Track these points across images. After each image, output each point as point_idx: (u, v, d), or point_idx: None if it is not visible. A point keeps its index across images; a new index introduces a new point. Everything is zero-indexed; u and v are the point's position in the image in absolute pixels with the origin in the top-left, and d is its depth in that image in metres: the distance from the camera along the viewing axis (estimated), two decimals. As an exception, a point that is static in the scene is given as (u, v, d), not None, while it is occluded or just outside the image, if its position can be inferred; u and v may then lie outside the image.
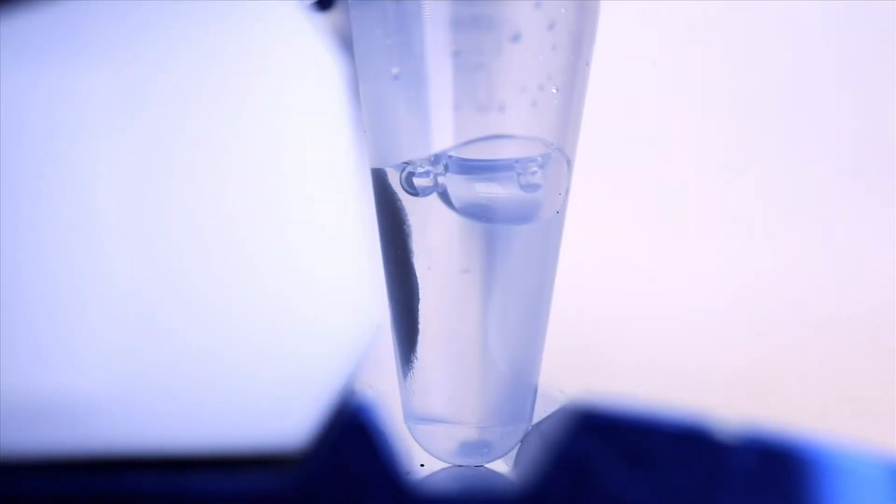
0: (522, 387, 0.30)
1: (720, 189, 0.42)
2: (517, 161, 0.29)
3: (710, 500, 0.23)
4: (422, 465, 0.30)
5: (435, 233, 0.29)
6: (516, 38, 0.28)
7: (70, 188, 0.23)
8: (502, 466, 0.30)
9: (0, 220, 0.23)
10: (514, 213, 0.29)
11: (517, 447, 0.30)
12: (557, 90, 0.28)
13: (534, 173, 0.29)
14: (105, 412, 0.23)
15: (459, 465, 0.30)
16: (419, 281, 0.29)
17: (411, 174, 0.29)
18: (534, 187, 0.29)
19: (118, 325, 0.23)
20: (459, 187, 0.29)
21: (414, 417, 0.30)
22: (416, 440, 0.30)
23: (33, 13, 0.24)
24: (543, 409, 0.30)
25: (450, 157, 0.28)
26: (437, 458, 0.30)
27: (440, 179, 0.29)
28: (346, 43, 0.29)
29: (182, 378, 0.23)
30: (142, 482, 0.23)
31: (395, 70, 0.28)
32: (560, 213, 0.30)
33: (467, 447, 0.30)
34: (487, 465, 0.30)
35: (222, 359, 0.23)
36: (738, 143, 0.42)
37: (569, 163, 0.29)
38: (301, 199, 0.24)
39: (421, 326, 0.30)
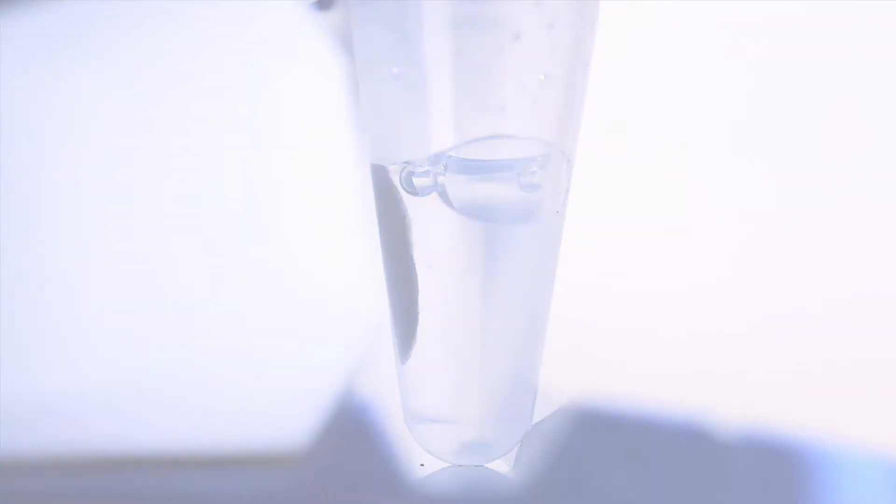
0: (522, 387, 0.30)
1: (721, 189, 0.42)
2: (517, 161, 0.29)
3: (710, 500, 0.23)
4: (422, 465, 0.30)
5: (435, 232, 0.29)
6: (516, 37, 0.28)
7: (70, 188, 0.23)
8: (502, 466, 0.30)
9: (0, 220, 0.23)
10: (514, 213, 0.29)
11: (517, 447, 0.30)
12: (557, 90, 0.28)
13: (534, 173, 0.29)
14: (106, 412, 0.23)
15: (459, 465, 0.30)
16: (419, 280, 0.29)
17: (411, 174, 0.29)
18: (534, 187, 0.29)
19: (118, 326, 0.23)
20: (459, 187, 0.29)
21: (414, 417, 0.30)
22: (416, 440, 0.30)
23: (33, 13, 0.24)
24: (543, 409, 0.30)
25: (450, 156, 0.28)
26: (437, 458, 0.30)
27: (440, 179, 0.29)
28: (346, 43, 0.29)
29: (182, 378, 0.23)
30: (142, 482, 0.23)
31: (395, 70, 0.28)
32: (560, 213, 0.30)
33: (467, 447, 0.30)
34: (487, 465, 0.30)
35: (223, 360, 0.23)
36: (741, 142, 0.42)
37: (569, 163, 0.29)
38: (301, 200, 0.24)
39: (421, 326, 0.30)
